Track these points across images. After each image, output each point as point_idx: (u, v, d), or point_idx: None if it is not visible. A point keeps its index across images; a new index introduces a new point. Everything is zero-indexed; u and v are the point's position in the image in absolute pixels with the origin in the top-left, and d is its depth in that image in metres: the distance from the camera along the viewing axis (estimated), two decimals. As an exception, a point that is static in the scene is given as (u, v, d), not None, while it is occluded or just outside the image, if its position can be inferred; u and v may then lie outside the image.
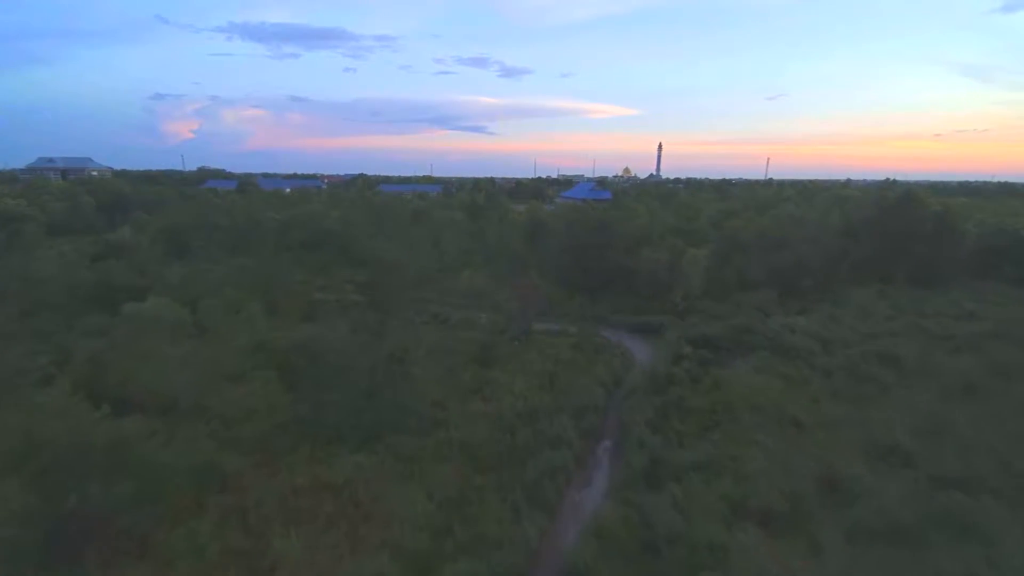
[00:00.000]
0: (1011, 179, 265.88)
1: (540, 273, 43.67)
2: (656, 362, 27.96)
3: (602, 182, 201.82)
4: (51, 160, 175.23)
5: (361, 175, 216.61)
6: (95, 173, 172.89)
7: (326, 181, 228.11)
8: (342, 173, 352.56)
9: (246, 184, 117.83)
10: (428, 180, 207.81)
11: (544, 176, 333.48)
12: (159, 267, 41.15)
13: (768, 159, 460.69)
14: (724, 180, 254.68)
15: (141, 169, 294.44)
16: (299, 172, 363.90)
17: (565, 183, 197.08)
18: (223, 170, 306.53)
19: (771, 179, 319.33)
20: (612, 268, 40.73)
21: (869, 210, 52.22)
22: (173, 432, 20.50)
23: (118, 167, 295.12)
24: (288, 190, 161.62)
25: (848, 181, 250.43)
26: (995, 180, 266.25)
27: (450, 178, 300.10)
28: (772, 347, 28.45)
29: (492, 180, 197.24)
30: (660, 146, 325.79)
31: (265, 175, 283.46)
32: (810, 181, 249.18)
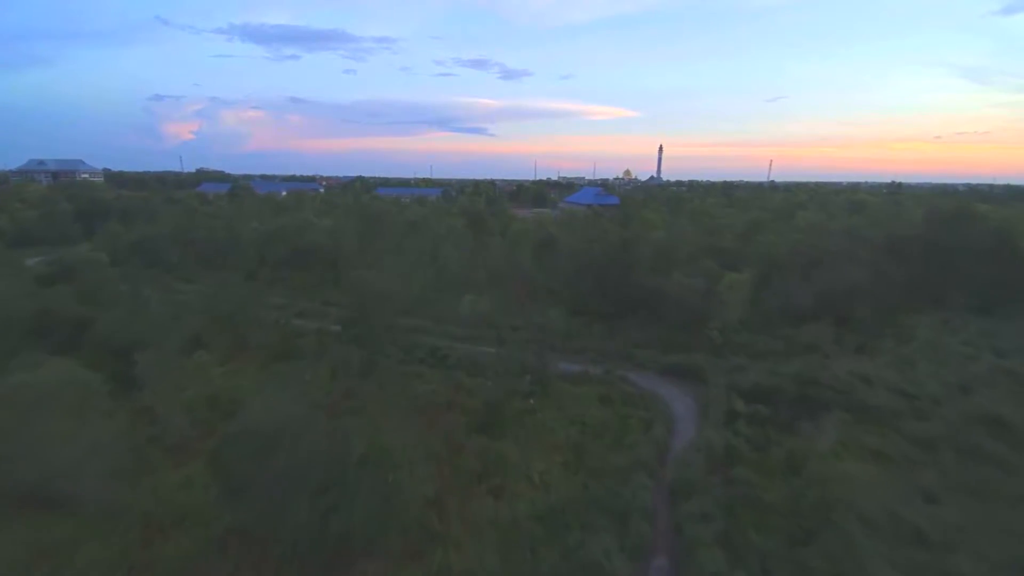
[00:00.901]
0: (1013, 181, 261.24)
1: (552, 297, 38.03)
2: (705, 425, 22.32)
3: (606, 185, 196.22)
4: (42, 162, 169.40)
5: (359, 178, 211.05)
6: (87, 175, 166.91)
7: (324, 184, 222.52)
8: (341, 175, 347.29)
9: (238, 188, 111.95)
10: (427, 183, 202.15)
11: (544, 178, 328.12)
12: (118, 289, 35.44)
13: (771, 162, 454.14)
14: (726, 182, 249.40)
15: (140, 171, 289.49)
16: (298, 174, 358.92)
17: (567, 186, 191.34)
18: (222, 172, 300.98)
19: (773, 181, 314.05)
20: (635, 292, 35.09)
21: (915, 224, 46.61)
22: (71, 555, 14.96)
23: (117, 168, 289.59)
24: (284, 193, 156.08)
25: (857, 185, 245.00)
26: (999, 183, 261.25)
27: (450, 180, 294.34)
28: (847, 404, 22.81)
29: (492, 183, 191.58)
30: (661, 148, 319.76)
31: (263, 177, 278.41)
32: (818, 184, 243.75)
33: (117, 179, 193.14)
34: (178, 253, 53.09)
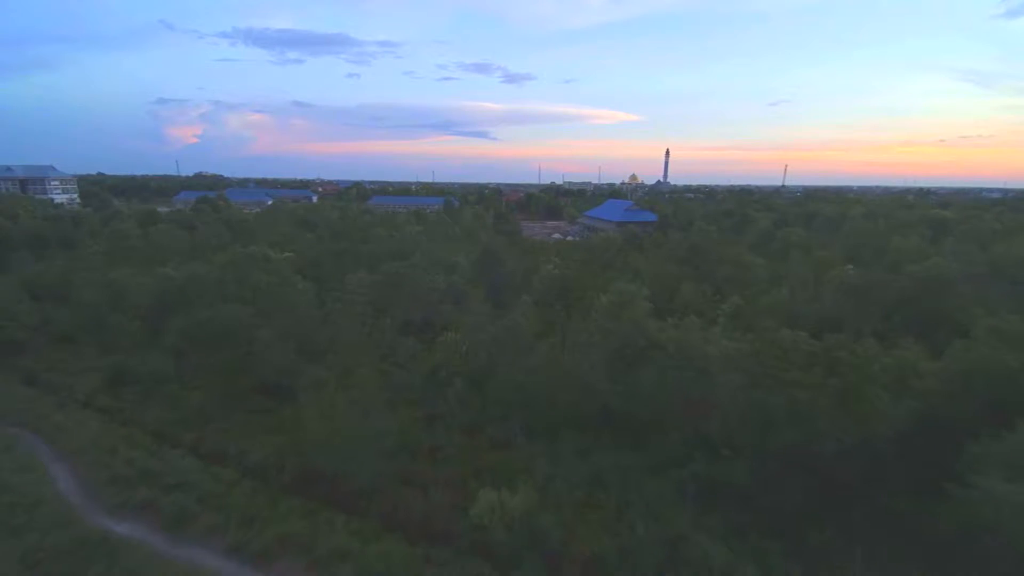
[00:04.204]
0: (1018, 185, 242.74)
1: (651, 460, 18.29)
2: None
3: (615, 192, 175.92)
4: (9, 168, 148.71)
5: (356, 184, 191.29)
6: (57, 182, 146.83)
7: (320, 190, 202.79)
8: (343, 179, 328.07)
9: (207, 200, 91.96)
10: (427, 190, 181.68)
11: (549, 182, 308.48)
12: None
13: (786, 166, 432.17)
14: (743, 188, 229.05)
15: (141, 174, 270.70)
16: (301, 178, 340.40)
17: (578, 193, 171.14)
18: (220, 176, 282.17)
19: (784, 185, 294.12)
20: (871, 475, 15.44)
21: None
22: None
23: (123, 172, 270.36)
24: (271, 201, 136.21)
25: (871, 189, 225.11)
26: (1008, 187, 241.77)
27: (452, 184, 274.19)
28: None
29: (498, 190, 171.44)
30: (667, 152, 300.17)
31: (261, 181, 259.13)
32: (837, 190, 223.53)
33: (98, 184, 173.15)
34: (40, 324, 33.35)
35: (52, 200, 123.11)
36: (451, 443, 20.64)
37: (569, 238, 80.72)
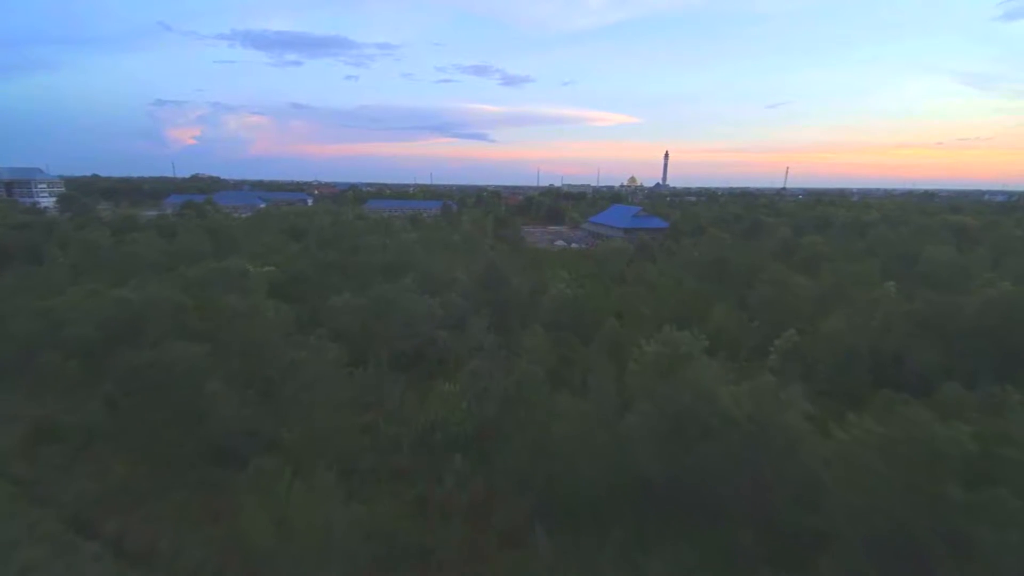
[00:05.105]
0: (1018, 187, 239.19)
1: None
2: None
3: (618, 197, 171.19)
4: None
5: (352, 187, 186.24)
6: (44, 185, 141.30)
7: (316, 192, 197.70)
8: (342, 180, 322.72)
9: (190, 206, 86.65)
10: (425, 193, 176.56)
11: (548, 184, 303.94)
12: None
13: (788, 169, 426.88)
14: (744, 190, 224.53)
15: (139, 176, 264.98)
16: (299, 179, 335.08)
17: (579, 197, 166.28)
18: (218, 178, 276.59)
19: (785, 187, 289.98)
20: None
21: None
22: None
23: (121, 174, 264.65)
24: (263, 204, 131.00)
25: (870, 192, 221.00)
26: (1012, 189, 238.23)
27: (451, 187, 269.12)
28: None
29: (497, 192, 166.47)
30: (667, 155, 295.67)
31: (258, 183, 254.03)
32: (839, 192, 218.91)
33: (87, 187, 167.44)
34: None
35: (38, 204, 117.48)
36: (449, 539, 15.62)
37: (574, 246, 75.89)
